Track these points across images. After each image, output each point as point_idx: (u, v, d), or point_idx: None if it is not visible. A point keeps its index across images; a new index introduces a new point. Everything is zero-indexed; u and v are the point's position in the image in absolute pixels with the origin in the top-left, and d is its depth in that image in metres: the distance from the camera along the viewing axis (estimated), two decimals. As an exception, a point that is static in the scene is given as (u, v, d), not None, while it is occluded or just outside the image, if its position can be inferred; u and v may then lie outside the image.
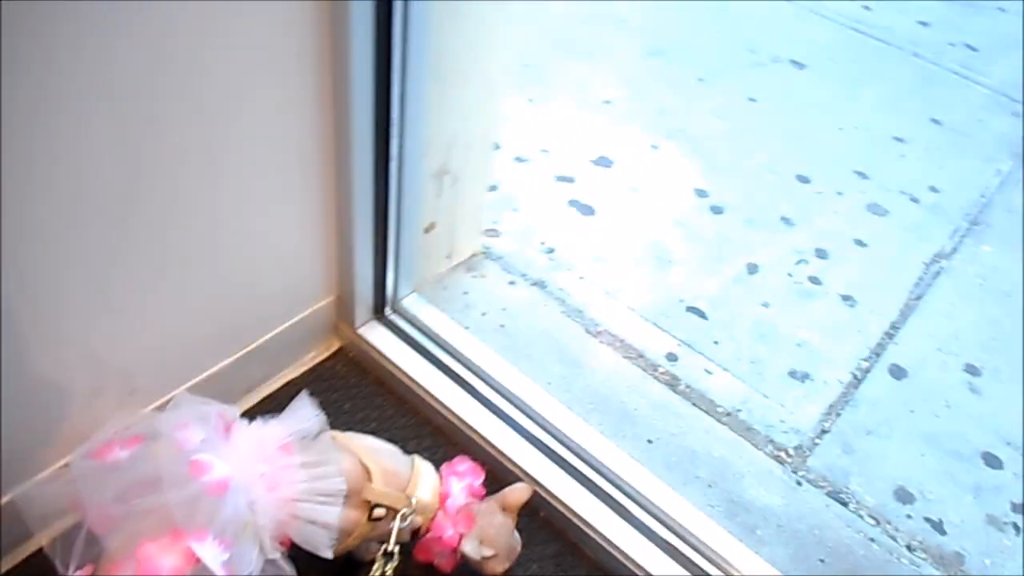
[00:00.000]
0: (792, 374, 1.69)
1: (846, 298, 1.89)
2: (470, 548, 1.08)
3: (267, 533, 0.97)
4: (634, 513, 1.27)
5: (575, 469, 1.31)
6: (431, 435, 1.38)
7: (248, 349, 1.31)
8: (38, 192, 0.90)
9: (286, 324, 1.36)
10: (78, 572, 0.93)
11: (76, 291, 1.01)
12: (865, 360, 1.75)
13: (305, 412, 1.07)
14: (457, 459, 1.18)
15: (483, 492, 1.16)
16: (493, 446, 1.33)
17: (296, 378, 1.42)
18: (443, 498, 1.12)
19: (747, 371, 1.68)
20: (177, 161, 1.03)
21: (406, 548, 1.10)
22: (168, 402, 1.11)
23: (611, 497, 1.28)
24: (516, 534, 1.14)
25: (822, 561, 1.36)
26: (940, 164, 2.37)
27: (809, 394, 1.66)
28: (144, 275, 1.08)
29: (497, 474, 1.34)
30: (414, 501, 1.08)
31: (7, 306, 0.93)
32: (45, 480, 0.98)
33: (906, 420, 1.64)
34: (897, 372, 1.74)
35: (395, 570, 1.07)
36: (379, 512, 1.06)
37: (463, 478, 1.15)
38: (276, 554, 0.99)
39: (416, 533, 1.11)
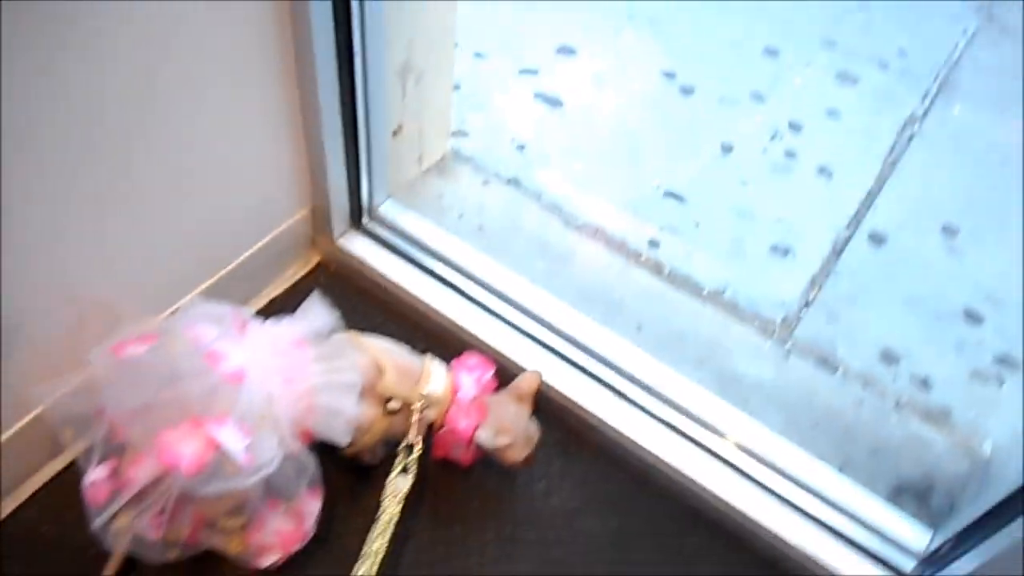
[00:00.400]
0: (773, 250, 1.70)
1: (822, 170, 1.88)
2: (485, 437, 1.09)
3: (286, 425, 0.98)
4: (633, 395, 1.28)
5: (569, 358, 1.31)
6: (423, 339, 1.35)
7: (227, 270, 1.27)
8: (6, 125, 0.85)
9: (263, 241, 1.32)
10: (100, 467, 0.94)
11: (46, 225, 0.96)
12: (845, 230, 1.76)
13: (317, 311, 1.08)
14: (466, 354, 1.18)
15: (494, 385, 1.17)
16: (485, 343, 1.32)
17: (278, 296, 1.39)
18: (455, 392, 1.12)
19: (729, 251, 1.68)
20: (135, 84, 0.97)
21: (425, 446, 1.11)
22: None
23: (608, 381, 1.29)
24: (533, 421, 1.16)
25: (815, 425, 1.39)
26: (906, 27, 2.33)
27: (791, 268, 1.67)
28: (114, 203, 1.04)
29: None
30: (427, 393, 1.09)
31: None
32: (69, 391, 0.97)
33: (887, 285, 1.66)
34: (876, 239, 1.75)
35: (417, 462, 1.09)
36: (393, 405, 1.07)
37: (473, 371, 1.15)
38: (296, 446, 1.00)
39: (431, 429, 1.12)
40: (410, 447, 1.09)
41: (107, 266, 1.08)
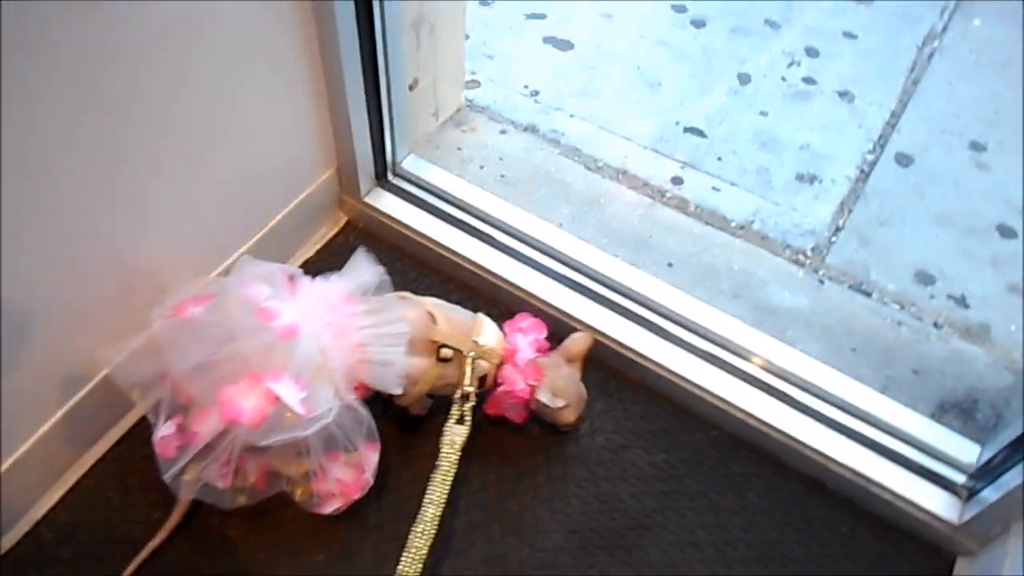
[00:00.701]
0: (800, 178, 1.68)
1: (843, 94, 1.85)
2: (546, 397, 1.10)
3: (340, 378, 1.00)
4: (670, 330, 1.28)
5: (605, 298, 1.32)
6: (456, 291, 1.37)
7: (261, 234, 1.28)
8: (44, 91, 0.86)
9: (293, 203, 1.32)
10: (168, 423, 0.98)
11: (91, 193, 0.98)
12: (870, 153, 1.73)
13: (364, 266, 1.10)
14: (519, 316, 1.18)
15: (548, 346, 1.17)
16: (519, 288, 1.33)
17: (311, 257, 1.40)
18: (511, 353, 1.12)
19: (754, 182, 1.67)
20: (169, 49, 0.98)
21: (477, 400, 1.11)
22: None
23: (644, 318, 1.29)
24: (581, 384, 1.16)
25: (854, 350, 1.39)
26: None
27: (819, 195, 1.65)
28: (152, 171, 1.05)
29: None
30: (480, 343, 1.10)
31: (24, 213, 0.90)
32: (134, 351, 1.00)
33: (917, 205, 1.65)
34: (903, 160, 1.72)
35: (472, 410, 1.10)
36: (446, 353, 1.08)
37: (528, 333, 1.15)
38: (352, 398, 1.02)
39: (483, 382, 1.13)
40: (465, 396, 1.09)
41: (147, 232, 1.09)
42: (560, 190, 1.61)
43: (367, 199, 1.40)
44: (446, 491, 1.04)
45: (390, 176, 1.43)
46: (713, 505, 1.18)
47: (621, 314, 1.30)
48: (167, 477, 0.99)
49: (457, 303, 1.32)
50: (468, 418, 1.09)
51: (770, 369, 1.25)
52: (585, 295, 1.32)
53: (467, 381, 1.09)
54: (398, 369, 1.04)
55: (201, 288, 1.04)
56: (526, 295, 1.32)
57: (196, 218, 1.16)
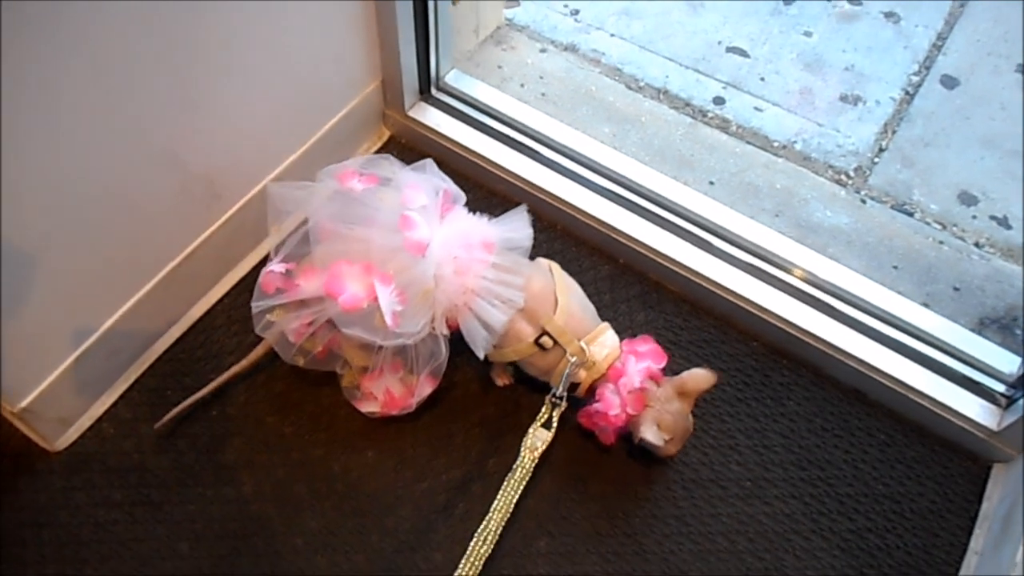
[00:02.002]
0: (843, 99, 1.66)
1: (889, 15, 1.81)
2: (651, 434, 1.02)
3: (441, 311, 1.03)
4: (712, 242, 1.29)
5: (647, 211, 1.33)
6: (500, 204, 1.38)
7: (308, 145, 1.30)
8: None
9: (339, 115, 1.33)
10: (281, 263, 1.03)
11: (152, 91, 1.00)
12: (915, 75, 1.71)
13: (518, 223, 1.10)
14: (641, 338, 1.10)
15: (661, 376, 1.07)
16: (562, 200, 1.34)
17: (355, 170, 1.41)
18: (616, 374, 1.05)
19: (797, 103, 1.65)
20: None
21: (572, 405, 1.09)
22: (246, 203, 1.15)
23: (687, 231, 1.31)
24: (690, 417, 1.07)
25: (895, 267, 1.39)
26: None
27: (863, 116, 1.63)
28: (209, 77, 1.07)
29: (568, 227, 1.36)
30: (586, 351, 1.04)
31: (93, 104, 0.93)
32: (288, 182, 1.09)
33: (962, 127, 1.62)
34: (949, 82, 1.70)
35: (560, 415, 1.07)
36: (546, 341, 1.05)
37: (642, 360, 1.06)
38: (441, 332, 1.04)
39: (574, 388, 1.08)
40: (557, 400, 1.07)
41: (204, 136, 1.11)
42: (601, 109, 1.61)
43: (411, 113, 1.41)
44: (515, 499, 1.02)
45: (433, 91, 1.43)
46: (752, 412, 1.21)
47: (663, 227, 1.31)
48: (255, 307, 1.04)
49: (498, 215, 1.35)
50: (555, 425, 1.06)
51: (811, 281, 1.26)
52: (628, 208, 1.33)
53: (561, 387, 1.05)
54: (493, 332, 1.03)
55: (370, 165, 1.08)
56: (569, 208, 1.33)
57: (249, 124, 1.18)
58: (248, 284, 1.26)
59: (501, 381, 1.19)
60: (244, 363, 1.15)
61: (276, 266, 1.03)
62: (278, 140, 1.25)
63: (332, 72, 1.29)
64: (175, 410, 1.12)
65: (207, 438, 1.14)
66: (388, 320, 0.97)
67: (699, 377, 1.05)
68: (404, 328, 0.99)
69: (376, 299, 0.97)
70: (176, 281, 1.17)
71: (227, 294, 1.26)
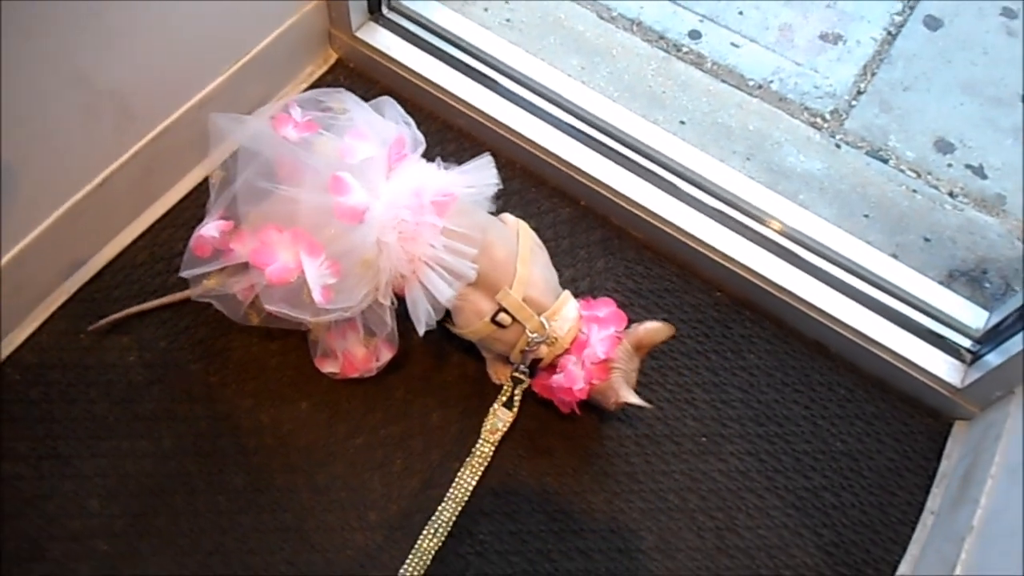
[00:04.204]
0: (823, 37, 1.57)
1: (875, -50, 1.71)
2: (634, 399, 0.96)
3: (385, 278, 0.92)
4: (679, 186, 1.22)
5: (612, 150, 1.25)
6: (456, 139, 1.30)
7: (240, 64, 1.19)
8: None
9: (274, 33, 1.22)
10: (220, 221, 0.93)
11: (51, 9, 0.88)
12: (898, 14, 1.62)
13: (484, 174, 0.97)
14: (601, 301, 1.03)
15: (621, 339, 1.00)
16: (523, 137, 1.25)
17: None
18: (580, 345, 0.98)
19: (775, 40, 1.56)
20: None
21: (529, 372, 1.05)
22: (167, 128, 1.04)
23: (654, 173, 1.23)
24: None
25: (866, 216, 1.34)
26: None
27: (843, 56, 1.55)
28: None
29: (528, 166, 1.28)
30: (547, 327, 0.97)
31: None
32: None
33: (943, 71, 1.55)
34: (932, 23, 1.62)
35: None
36: (504, 319, 0.96)
37: (605, 326, 0.99)
38: (387, 301, 0.95)
39: (536, 363, 1.02)
40: (520, 376, 1.02)
41: (119, 53, 1.00)
42: (570, 39, 1.51)
43: (359, 34, 1.30)
44: (471, 488, 0.98)
45: (384, 10, 1.32)
46: (712, 365, 1.16)
47: (629, 168, 1.24)
48: (186, 274, 0.95)
49: (454, 152, 1.26)
50: (516, 404, 1.02)
51: (780, 230, 1.20)
52: (592, 147, 1.25)
53: (520, 363, 1.00)
54: (439, 309, 0.94)
55: (318, 100, 0.96)
56: (530, 145, 1.25)
57: (167, 34, 1.06)
58: (174, 219, 1.17)
59: (498, 379, 1.09)
60: (155, 302, 1.07)
61: (209, 228, 0.92)
62: (204, 56, 1.14)
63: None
64: (113, 316, 1.05)
65: (122, 386, 1.05)
66: (316, 296, 0.87)
67: (656, 331, 0.99)
68: (339, 303, 0.89)
69: (304, 271, 0.87)
70: (86, 213, 1.06)
71: (149, 229, 1.16)
